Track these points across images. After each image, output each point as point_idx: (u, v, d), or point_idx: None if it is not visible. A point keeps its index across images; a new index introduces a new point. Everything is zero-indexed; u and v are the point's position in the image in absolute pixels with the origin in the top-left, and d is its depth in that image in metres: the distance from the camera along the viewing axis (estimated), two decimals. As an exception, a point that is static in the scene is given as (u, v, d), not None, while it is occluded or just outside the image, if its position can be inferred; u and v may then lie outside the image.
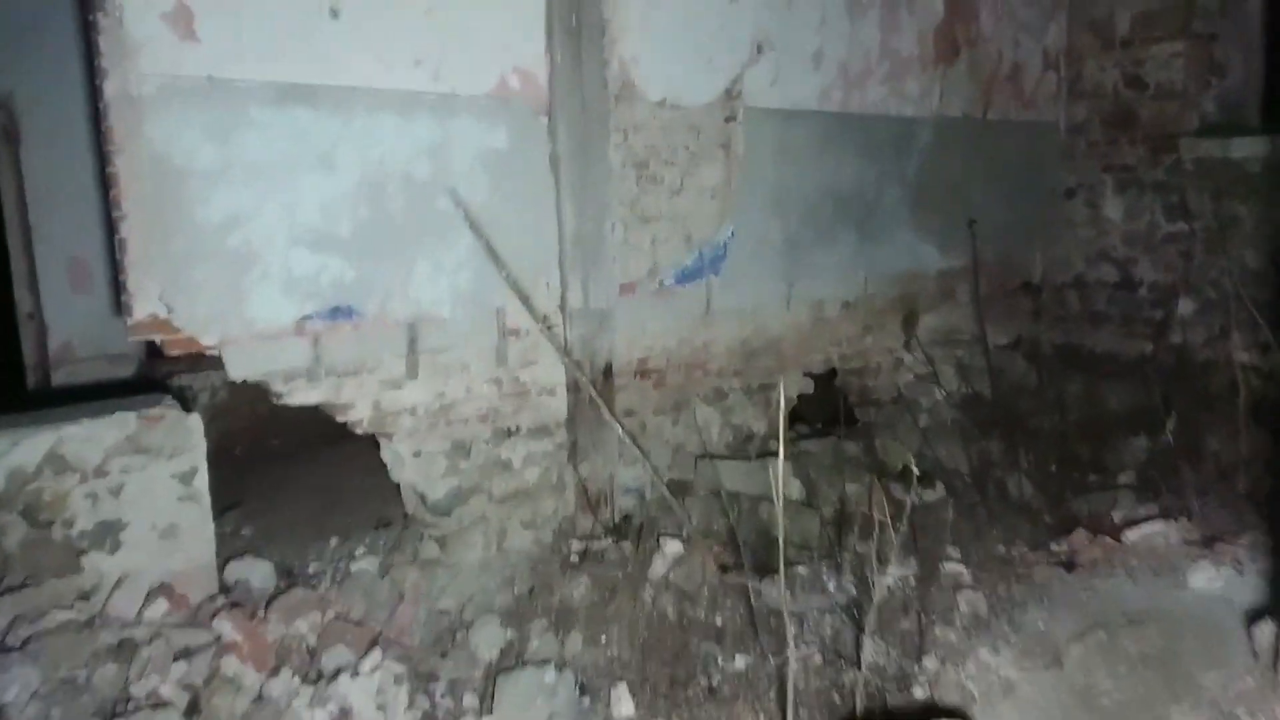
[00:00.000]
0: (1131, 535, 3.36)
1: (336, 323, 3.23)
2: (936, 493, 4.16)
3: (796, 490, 4.07)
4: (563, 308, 3.82)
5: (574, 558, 3.62)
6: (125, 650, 2.73)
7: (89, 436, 2.86)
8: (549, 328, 3.76)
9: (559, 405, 3.87)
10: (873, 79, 4.93)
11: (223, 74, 2.90)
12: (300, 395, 3.20)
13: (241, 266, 3.00)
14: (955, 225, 5.44)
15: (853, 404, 5.12)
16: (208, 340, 2.97)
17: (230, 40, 2.90)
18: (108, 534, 2.89)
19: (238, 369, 3.05)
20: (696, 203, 4.22)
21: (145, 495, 2.95)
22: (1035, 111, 5.95)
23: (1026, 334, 5.98)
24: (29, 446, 2.78)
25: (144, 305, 2.84)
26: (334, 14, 3.11)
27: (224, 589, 3.14)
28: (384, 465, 3.54)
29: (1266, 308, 4.96)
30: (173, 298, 2.88)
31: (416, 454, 3.51)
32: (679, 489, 4.07)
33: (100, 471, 2.87)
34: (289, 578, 3.42)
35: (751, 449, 4.40)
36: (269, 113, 3.00)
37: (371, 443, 3.50)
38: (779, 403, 2.80)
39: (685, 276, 4.24)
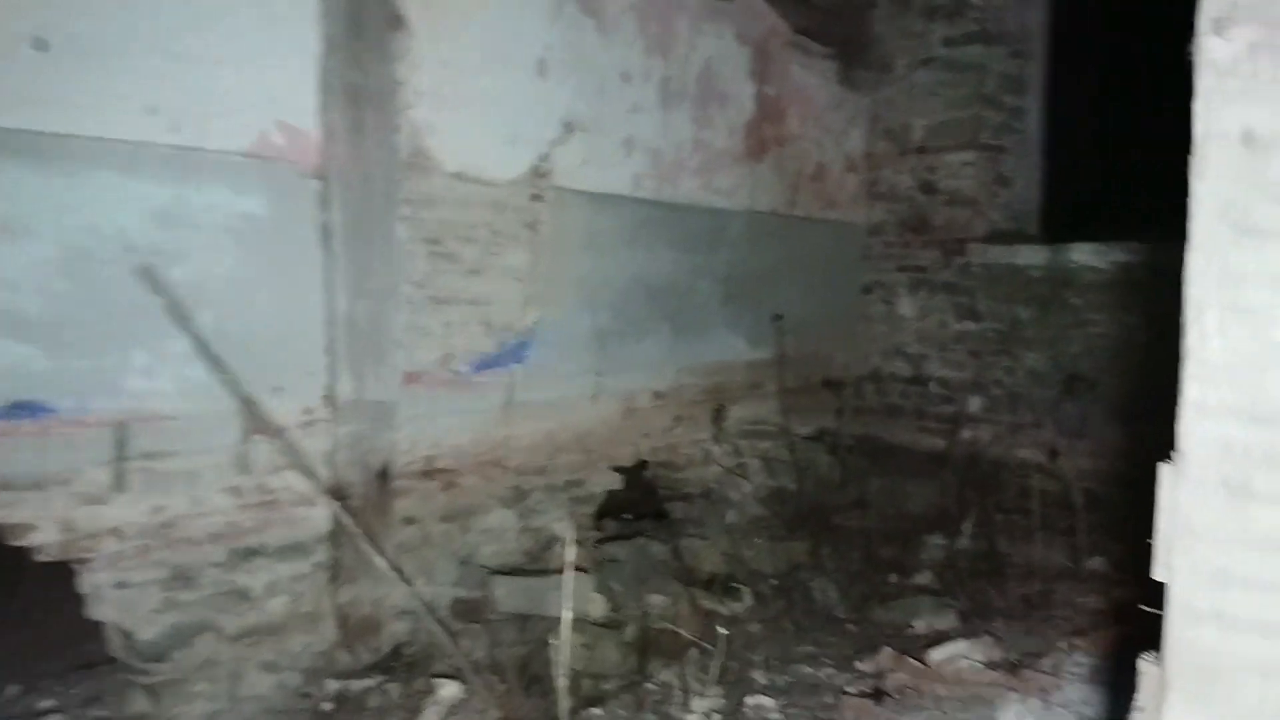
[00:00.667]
0: (936, 655, 3.24)
1: (15, 423, 2.52)
2: (743, 603, 3.91)
3: (600, 606, 3.68)
4: (330, 400, 3.28)
5: (327, 704, 3.01)
6: None
7: None
8: (309, 424, 3.20)
9: (319, 518, 3.28)
10: (685, 170, 4.82)
11: None
12: (-43, 518, 2.46)
13: None
14: (763, 318, 5.41)
15: (662, 498, 4.85)
16: None
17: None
18: None
19: None
20: (499, 286, 3.84)
21: None
22: (839, 211, 6.12)
23: (830, 426, 6.02)
24: None
25: None
26: (40, 45, 2.50)
27: None
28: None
29: (1048, 408, 5.24)
30: None
31: (120, 585, 2.80)
32: (467, 610, 3.56)
33: None
34: None
35: (552, 558, 3.98)
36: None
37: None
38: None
39: (484, 365, 3.82)
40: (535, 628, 3.45)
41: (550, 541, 4.08)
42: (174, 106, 2.79)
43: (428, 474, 3.64)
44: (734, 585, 3.99)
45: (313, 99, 3.15)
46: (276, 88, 3.06)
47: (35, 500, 2.59)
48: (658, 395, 4.73)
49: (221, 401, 2.98)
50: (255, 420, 3.07)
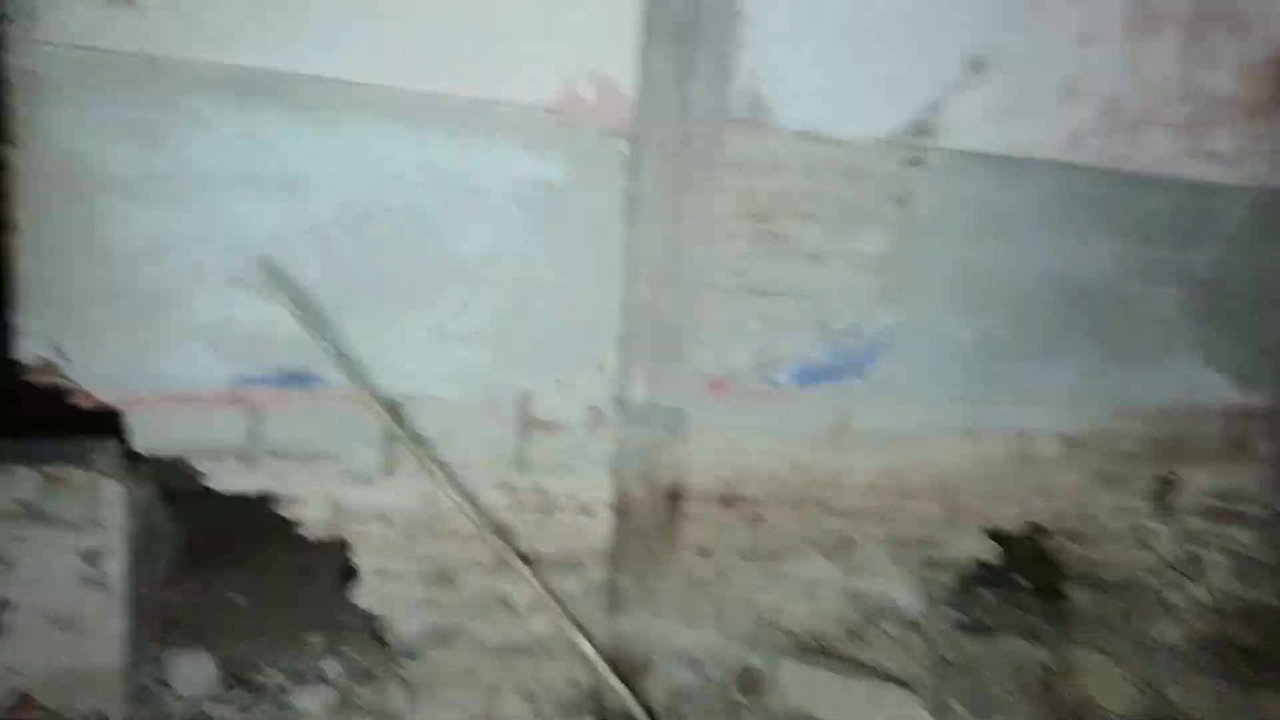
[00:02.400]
0: None
1: (286, 390, 2.44)
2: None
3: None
4: (619, 401, 2.78)
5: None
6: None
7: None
8: (593, 426, 2.74)
9: (597, 532, 2.83)
10: (1158, 125, 3.36)
11: (163, 51, 2.20)
12: (230, 480, 2.45)
13: (158, 308, 2.29)
14: (1264, 347, 3.67)
15: (1058, 580, 3.56)
16: (109, 398, 2.29)
17: (180, 7, 2.19)
18: None
19: (145, 438, 2.35)
20: (842, 277, 2.99)
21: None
22: None
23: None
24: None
25: (31, 343, 2.21)
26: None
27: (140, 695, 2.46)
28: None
29: None
30: (66, 339, 2.23)
31: (382, 573, 2.64)
32: (751, 685, 2.86)
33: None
34: (238, 685, 2.70)
35: (873, 643, 3.07)
36: (220, 108, 2.26)
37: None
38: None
39: (811, 376, 3.02)
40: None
41: (880, 612, 3.16)
42: (467, 51, 2.46)
43: (727, 501, 2.98)
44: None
45: (629, 42, 2.61)
46: (588, 28, 2.57)
47: (303, 473, 2.51)
48: (1070, 441, 3.43)
49: (499, 390, 2.66)
50: (534, 415, 2.70)
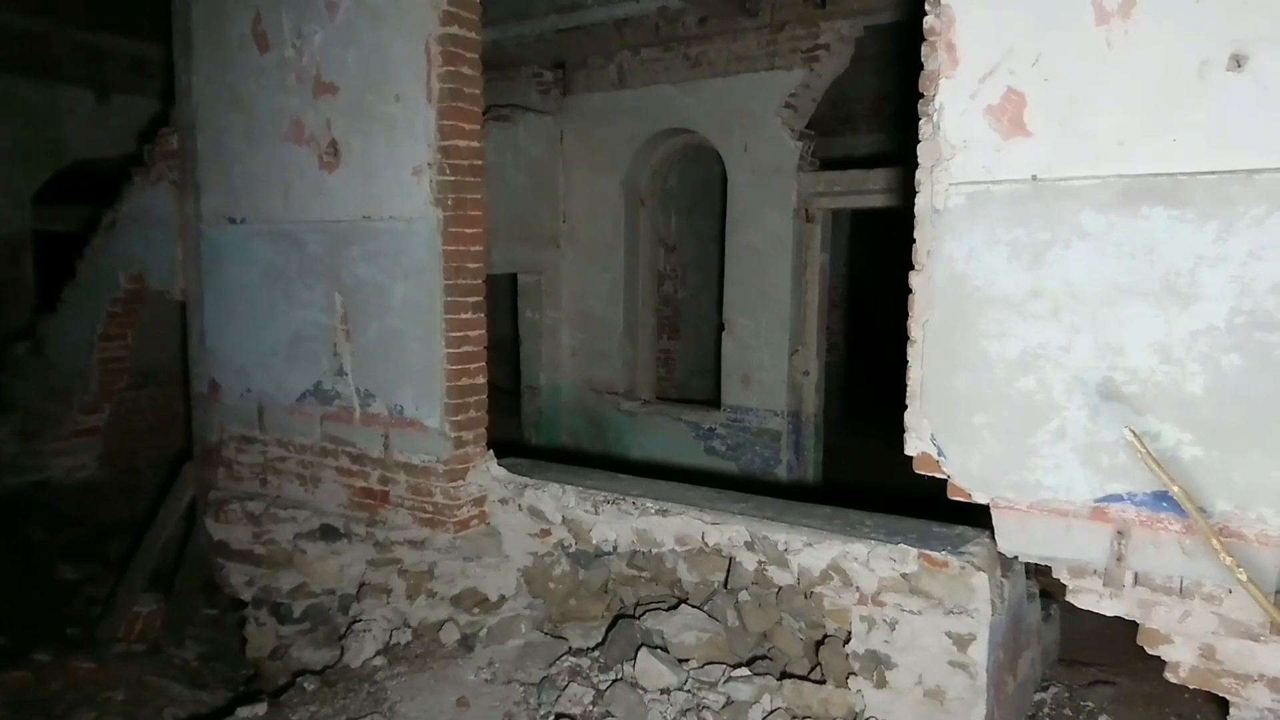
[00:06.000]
0: None
1: (1158, 515, 2.19)
2: None
3: None
4: None
5: None
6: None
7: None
8: None
9: None
10: None
11: (1052, 173, 2.27)
12: (1090, 600, 2.33)
13: (1029, 418, 2.34)
14: None
15: None
16: (979, 497, 2.46)
17: (1071, 126, 2.23)
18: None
19: (1008, 542, 2.43)
20: None
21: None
22: None
23: None
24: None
25: (916, 441, 2.54)
26: (1235, 64, 2.03)
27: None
28: None
29: None
30: (945, 440, 2.49)
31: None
32: None
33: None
34: None
35: None
36: (1106, 219, 2.20)
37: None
38: None
39: None
40: None
41: None
42: None
43: None
44: None
45: None
46: None
47: (1171, 609, 2.20)
48: None
49: None
50: None
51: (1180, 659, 2.21)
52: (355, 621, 3.41)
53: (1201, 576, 2.15)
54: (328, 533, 3.65)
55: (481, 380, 3.40)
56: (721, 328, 5.54)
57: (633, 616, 3.13)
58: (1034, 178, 2.28)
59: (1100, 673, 3.16)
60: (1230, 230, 2.04)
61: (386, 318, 3.40)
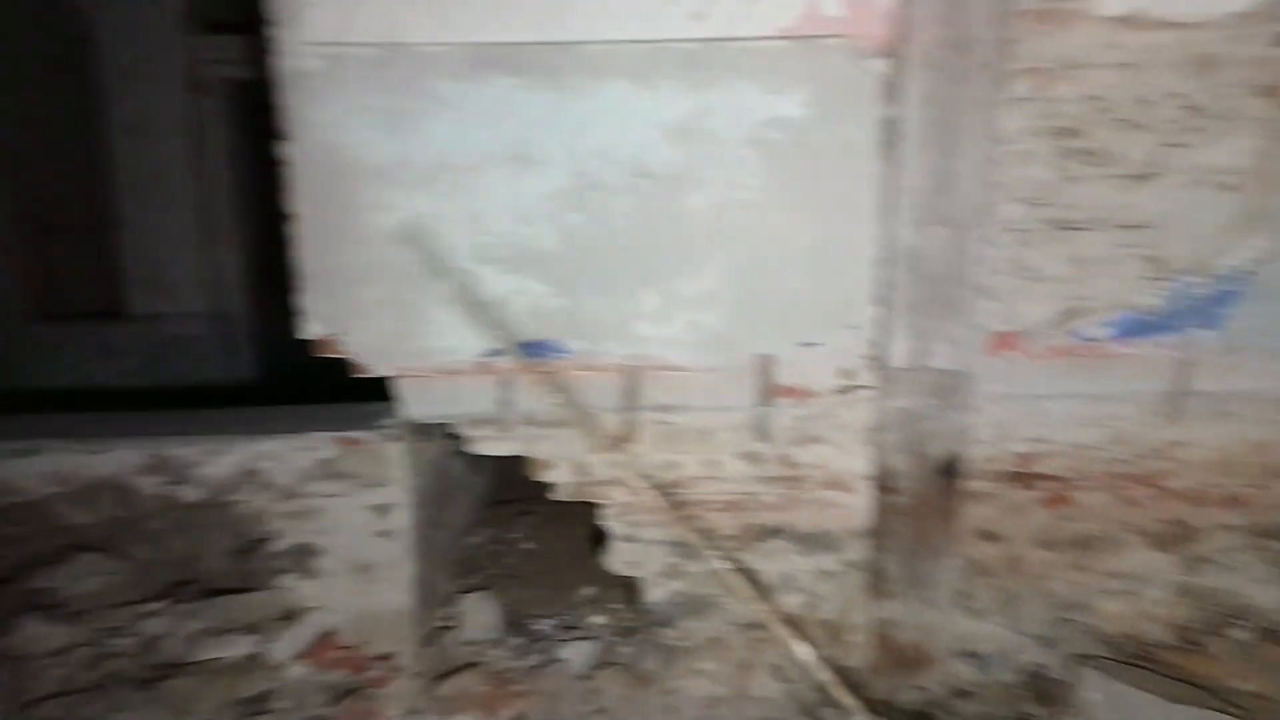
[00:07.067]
0: None
1: (531, 362, 2.46)
2: None
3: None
4: (878, 364, 2.45)
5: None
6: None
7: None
8: (846, 391, 2.45)
9: (855, 508, 2.55)
10: None
11: (408, 38, 2.25)
12: (490, 445, 2.56)
13: (417, 288, 2.40)
14: None
15: None
16: (382, 370, 2.49)
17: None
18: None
19: (415, 407, 2.52)
20: (1183, 199, 2.31)
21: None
22: None
23: None
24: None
25: (317, 323, 2.45)
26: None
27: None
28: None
29: None
30: (340, 318, 2.43)
31: (629, 539, 2.62)
32: (1044, 692, 2.43)
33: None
34: (517, 630, 2.90)
35: (1220, 657, 2.43)
36: (461, 87, 2.27)
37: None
38: None
39: (1137, 329, 2.41)
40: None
41: (1232, 616, 2.50)
42: (693, -14, 2.22)
43: (1021, 478, 2.52)
44: None
45: (881, -64, 2.19)
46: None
47: (552, 440, 2.54)
48: None
49: (738, 354, 2.47)
50: (778, 380, 2.48)
51: (560, 479, 2.57)
52: None
53: (562, 410, 2.49)
54: None
55: None
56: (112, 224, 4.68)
57: (7, 581, 2.58)
58: (391, 43, 2.25)
59: (524, 507, 3.60)
60: (560, 98, 2.28)
61: None
